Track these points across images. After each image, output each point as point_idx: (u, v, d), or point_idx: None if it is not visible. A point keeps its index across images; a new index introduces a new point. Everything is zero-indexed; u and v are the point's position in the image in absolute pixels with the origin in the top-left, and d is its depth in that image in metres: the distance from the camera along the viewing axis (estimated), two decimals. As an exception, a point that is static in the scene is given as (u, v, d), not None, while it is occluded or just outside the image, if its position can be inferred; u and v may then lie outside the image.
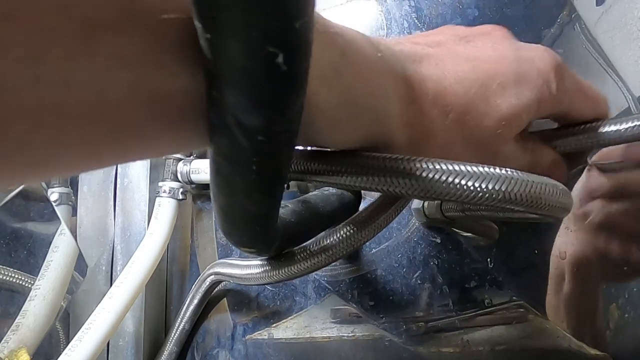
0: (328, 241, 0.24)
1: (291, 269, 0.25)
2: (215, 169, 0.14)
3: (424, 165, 0.16)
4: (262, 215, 0.16)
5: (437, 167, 0.16)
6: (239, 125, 0.11)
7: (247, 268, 0.30)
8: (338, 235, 0.24)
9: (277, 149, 0.13)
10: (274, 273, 0.26)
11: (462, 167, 0.16)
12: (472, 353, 0.34)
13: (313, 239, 0.25)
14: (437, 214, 0.33)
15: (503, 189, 0.16)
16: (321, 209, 0.29)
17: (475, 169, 0.16)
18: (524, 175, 0.16)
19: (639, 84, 0.32)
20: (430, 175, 0.16)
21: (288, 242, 0.24)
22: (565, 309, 0.33)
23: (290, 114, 0.12)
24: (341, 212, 0.26)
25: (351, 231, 0.24)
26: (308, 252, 0.25)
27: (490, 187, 0.16)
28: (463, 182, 0.16)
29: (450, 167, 0.16)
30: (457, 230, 0.36)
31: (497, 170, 0.16)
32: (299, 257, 0.25)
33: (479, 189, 0.16)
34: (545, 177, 0.17)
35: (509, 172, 0.16)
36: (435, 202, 0.33)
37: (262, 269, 0.28)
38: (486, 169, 0.16)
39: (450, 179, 0.16)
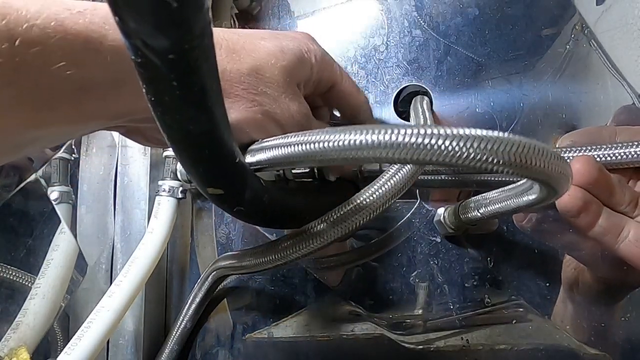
0: (319, 227, 0.25)
1: (287, 252, 0.26)
2: (146, 92, 0.15)
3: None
4: (204, 133, 0.17)
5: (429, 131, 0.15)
6: (147, 47, 0.12)
7: (247, 255, 0.30)
8: (329, 220, 0.25)
9: (193, 64, 0.13)
10: (271, 257, 0.27)
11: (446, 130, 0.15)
12: (471, 352, 0.34)
13: (308, 224, 0.25)
14: (457, 221, 0.33)
15: (490, 147, 0.15)
16: (318, 196, 0.29)
17: (459, 130, 0.15)
18: (513, 136, 0.16)
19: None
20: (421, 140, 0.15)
21: (276, 212, 0.25)
22: (566, 309, 0.33)
23: (196, 31, 0.12)
24: (337, 199, 0.26)
25: (337, 219, 0.24)
26: (303, 235, 0.25)
27: (475, 146, 0.15)
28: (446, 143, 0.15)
29: (437, 131, 0.15)
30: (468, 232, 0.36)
31: (481, 131, 0.15)
32: (294, 240, 0.26)
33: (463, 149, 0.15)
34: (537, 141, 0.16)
35: (495, 133, 0.15)
36: (454, 211, 0.33)
37: (260, 255, 0.28)
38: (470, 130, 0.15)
39: (436, 142, 0.15)
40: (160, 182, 0.42)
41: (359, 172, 0.34)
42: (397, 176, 0.25)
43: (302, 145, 0.19)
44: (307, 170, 0.32)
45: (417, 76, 0.38)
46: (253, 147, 0.24)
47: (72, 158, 0.46)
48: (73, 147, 0.46)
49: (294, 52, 0.27)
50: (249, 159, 0.23)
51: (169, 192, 0.41)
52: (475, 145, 0.15)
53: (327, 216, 0.25)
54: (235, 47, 0.25)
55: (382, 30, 0.40)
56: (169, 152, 0.42)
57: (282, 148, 0.20)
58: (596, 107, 0.33)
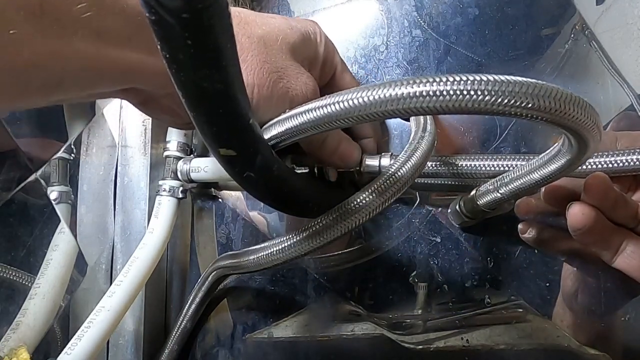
0: (318, 226, 0.25)
1: (287, 251, 0.26)
2: (160, 49, 0.15)
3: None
4: (218, 92, 0.17)
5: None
6: (160, 6, 0.12)
7: (247, 255, 0.30)
8: (326, 220, 0.25)
9: (206, 23, 0.14)
10: (271, 257, 0.27)
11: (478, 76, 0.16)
12: (471, 352, 0.34)
13: (306, 225, 0.25)
14: (474, 207, 0.32)
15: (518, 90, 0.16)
16: (319, 190, 0.29)
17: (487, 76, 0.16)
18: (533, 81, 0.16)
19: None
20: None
21: (282, 188, 0.25)
22: (565, 314, 0.33)
23: None
24: (337, 198, 0.26)
25: (337, 218, 0.25)
26: (302, 234, 0.25)
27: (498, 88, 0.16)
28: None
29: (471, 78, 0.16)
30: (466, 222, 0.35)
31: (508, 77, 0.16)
32: (294, 239, 0.26)
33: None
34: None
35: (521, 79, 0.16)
36: (471, 198, 0.33)
37: (260, 254, 0.28)
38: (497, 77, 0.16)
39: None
40: (160, 182, 0.42)
41: (359, 172, 0.34)
42: (396, 175, 0.25)
43: (339, 104, 0.19)
44: (307, 170, 0.33)
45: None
46: (280, 117, 0.24)
47: (72, 158, 0.46)
48: (72, 147, 0.46)
49: (300, 30, 0.29)
50: (273, 130, 0.24)
51: (169, 191, 0.41)
52: (510, 89, 0.15)
53: (327, 215, 0.25)
54: (247, 19, 0.27)
55: (382, 30, 0.40)
56: (169, 152, 0.42)
57: (317, 110, 0.20)
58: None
